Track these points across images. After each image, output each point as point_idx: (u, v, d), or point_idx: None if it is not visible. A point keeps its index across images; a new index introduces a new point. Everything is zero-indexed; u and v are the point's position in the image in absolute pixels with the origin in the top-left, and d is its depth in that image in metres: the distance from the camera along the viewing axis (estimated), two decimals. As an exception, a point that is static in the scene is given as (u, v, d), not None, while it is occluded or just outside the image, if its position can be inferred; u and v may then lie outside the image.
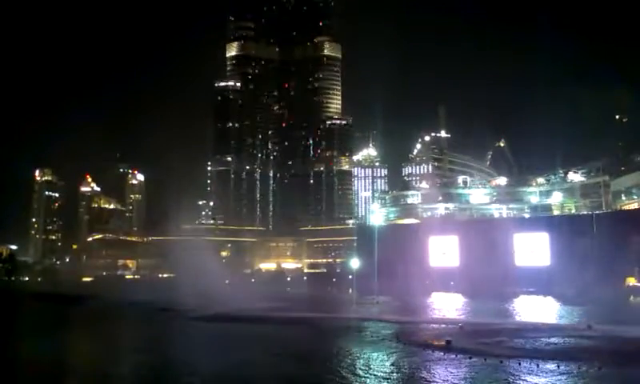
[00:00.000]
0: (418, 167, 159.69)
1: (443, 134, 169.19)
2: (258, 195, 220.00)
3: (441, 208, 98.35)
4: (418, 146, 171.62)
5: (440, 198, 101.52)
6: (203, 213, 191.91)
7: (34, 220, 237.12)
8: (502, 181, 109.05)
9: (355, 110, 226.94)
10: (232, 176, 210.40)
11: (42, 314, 57.33)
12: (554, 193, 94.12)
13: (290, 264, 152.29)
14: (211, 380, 25.26)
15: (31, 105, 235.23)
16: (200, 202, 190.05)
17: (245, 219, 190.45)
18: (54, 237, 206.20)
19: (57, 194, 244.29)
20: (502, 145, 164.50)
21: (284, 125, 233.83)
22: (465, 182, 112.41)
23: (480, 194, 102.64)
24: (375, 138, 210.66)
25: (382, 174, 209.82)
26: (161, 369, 27.08)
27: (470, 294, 58.54)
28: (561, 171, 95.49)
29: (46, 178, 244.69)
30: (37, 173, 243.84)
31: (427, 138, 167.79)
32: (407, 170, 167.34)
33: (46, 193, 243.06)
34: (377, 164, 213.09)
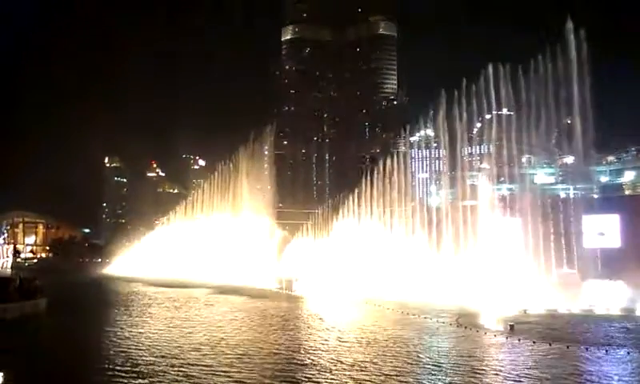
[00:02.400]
0: (478, 147, 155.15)
1: (505, 111, 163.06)
2: (315, 178, 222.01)
3: (503, 189, 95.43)
4: (479, 124, 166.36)
5: (502, 179, 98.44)
6: (261, 197, 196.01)
7: (104, 205, 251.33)
8: (570, 159, 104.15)
9: (412, 90, 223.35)
10: (288, 160, 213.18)
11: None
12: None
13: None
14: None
15: (99, 96, 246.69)
16: (258, 187, 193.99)
17: (301, 202, 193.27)
18: (123, 221, 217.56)
19: (125, 180, 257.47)
20: (569, 122, 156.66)
21: (339, 107, 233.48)
22: (529, 162, 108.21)
23: (545, 173, 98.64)
24: (433, 118, 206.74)
25: (440, 155, 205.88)
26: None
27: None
28: (633, 149, 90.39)
29: (114, 164, 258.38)
30: (106, 160, 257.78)
31: (488, 116, 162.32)
32: (467, 150, 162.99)
33: (115, 178, 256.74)
34: (435, 145, 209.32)
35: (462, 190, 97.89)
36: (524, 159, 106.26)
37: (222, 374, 22.23)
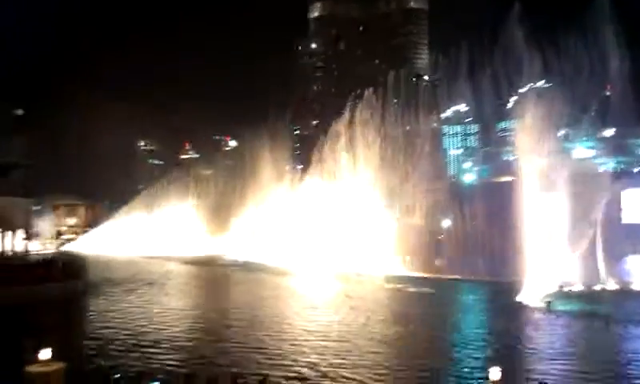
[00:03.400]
0: (513, 121, 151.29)
1: (541, 83, 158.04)
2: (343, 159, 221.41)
3: (540, 163, 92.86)
4: (514, 98, 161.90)
5: (539, 153, 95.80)
6: (290, 178, 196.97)
7: (140, 187, 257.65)
8: (609, 132, 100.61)
9: (444, 66, 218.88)
10: (318, 140, 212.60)
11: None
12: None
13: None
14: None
15: (131, 80, 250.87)
16: (287, 167, 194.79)
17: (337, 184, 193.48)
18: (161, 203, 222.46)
19: (159, 162, 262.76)
20: (608, 93, 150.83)
21: (369, 84, 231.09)
22: (567, 135, 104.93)
23: (584, 147, 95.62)
24: (465, 93, 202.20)
25: (474, 131, 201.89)
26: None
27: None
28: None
29: (149, 147, 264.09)
30: (141, 143, 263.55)
31: (523, 90, 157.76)
32: (501, 125, 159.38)
33: (149, 161, 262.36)
34: (467, 120, 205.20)
35: (497, 165, 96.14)
36: (561, 133, 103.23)
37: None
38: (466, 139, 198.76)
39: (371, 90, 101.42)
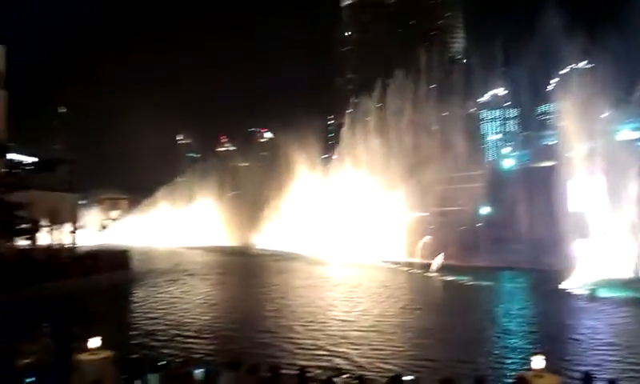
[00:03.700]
0: (554, 104, 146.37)
1: (583, 64, 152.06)
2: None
3: (583, 147, 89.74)
4: (555, 80, 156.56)
5: (582, 137, 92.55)
6: (323, 167, 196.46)
7: (178, 179, 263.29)
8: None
9: (481, 49, 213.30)
10: (352, 128, 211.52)
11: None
12: None
13: (414, 213, 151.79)
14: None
15: (168, 74, 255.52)
16: (320, 157, 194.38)
17: (371, 172, 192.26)
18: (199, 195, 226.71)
19: (196, 155, 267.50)
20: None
21: (403, 69, 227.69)
22: (611, 117, 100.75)
23: (629, 129, 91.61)
24: (504, 76, 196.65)
25: (513, 115, 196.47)
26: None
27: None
28: None
29: (186, 140, 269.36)
30: (178, 137, 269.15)
31: (564, 71, 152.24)
32: (542, 109, 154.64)
33: (187, 154, 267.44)
34: (506, 104, 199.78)
35: (538, 150, 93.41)
36: (605, 115, 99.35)
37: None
38: (504, 124, 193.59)
39: (402, 75, 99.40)
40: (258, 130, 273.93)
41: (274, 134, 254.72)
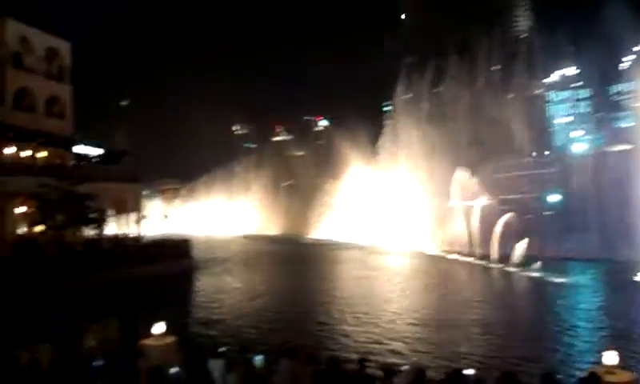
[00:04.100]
0: (629, 84, 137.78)
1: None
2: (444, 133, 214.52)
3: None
4: (631, 56, 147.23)
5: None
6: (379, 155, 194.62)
7: (236, 169, 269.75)
8: None
9: (550, 26, 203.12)
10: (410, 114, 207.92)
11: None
12: None
13: (479, 200, 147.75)
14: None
15: (223, 64, 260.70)
16: (377, 144, 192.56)
17: (428, 159, 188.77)
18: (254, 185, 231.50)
19: (253, 145, 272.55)
20: None
21: (465, 52, 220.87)
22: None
23: None
24: (574, 54, 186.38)
25: (584, 96, 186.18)
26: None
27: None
28: None
29: (242, 130, 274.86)
30: (234, 127, 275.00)
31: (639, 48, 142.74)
32: (616, 88, 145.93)
33: (244, 144, 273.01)
34: (578, 85, 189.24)
35: (612, 133, 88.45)
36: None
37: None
38: (574, 106, 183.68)
39: (460, 57, 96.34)
40: (313, 118, 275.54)
41: (330, 121, 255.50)
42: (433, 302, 30.08)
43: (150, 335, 11.88)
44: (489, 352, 19.42)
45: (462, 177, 58.19)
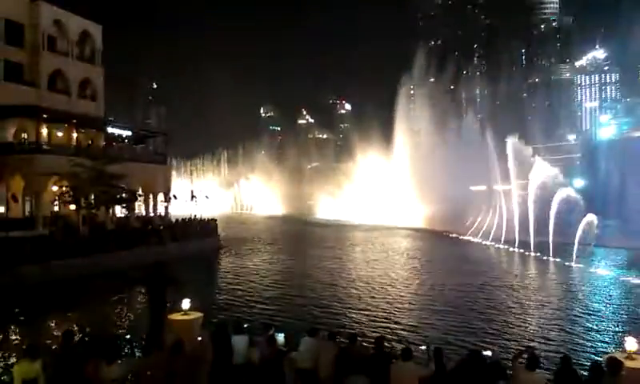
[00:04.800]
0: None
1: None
2: (464, 117, 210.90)
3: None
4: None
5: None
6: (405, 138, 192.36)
7: (262, 152, 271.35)
8: None
9: (577, 7, 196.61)
10: (434, 99, 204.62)
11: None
12: None
13: (502, 186, 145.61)
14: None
15: (251, 54, 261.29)
16: (401, 127, 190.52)
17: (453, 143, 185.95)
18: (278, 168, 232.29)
19: (279, 128, 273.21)
20: None
21: (491, 35, 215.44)
22: None
23: None
24: (603, 37, 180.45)
25: (613, 80, 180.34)
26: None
27: None
28: None
29: (269, 113, 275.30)
30: (261, 110, 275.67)
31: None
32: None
33: (270, 127, 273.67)
34: (605, 68, 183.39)
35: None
36: None
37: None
38: (603, 89, 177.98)
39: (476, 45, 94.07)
40: (337, 101, 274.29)
41: (354, 105, 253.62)
42: (446, 282, 29.91)
43: (177, 310, 12.22)
44: (505, 335, 19.40)
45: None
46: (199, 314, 12.10)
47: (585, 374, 8.78)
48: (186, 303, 12.14)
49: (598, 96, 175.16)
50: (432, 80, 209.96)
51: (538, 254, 41.02)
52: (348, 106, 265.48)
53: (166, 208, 54.63)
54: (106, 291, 26.93)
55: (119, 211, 47.53)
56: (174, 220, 48.95)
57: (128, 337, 15.10)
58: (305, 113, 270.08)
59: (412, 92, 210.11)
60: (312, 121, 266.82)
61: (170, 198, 53.78)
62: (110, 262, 33.53)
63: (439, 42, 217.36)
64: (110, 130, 50.52)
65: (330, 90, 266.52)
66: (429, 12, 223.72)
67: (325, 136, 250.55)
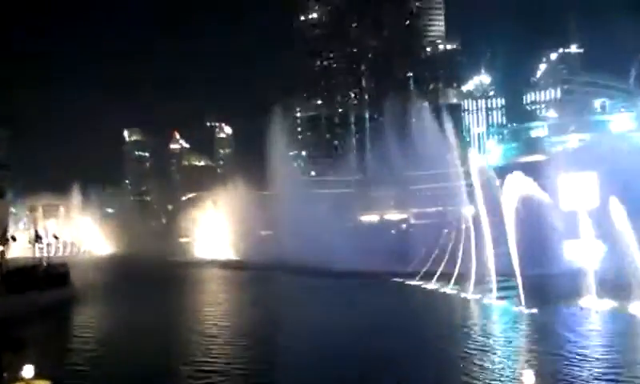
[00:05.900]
0: (542, 93, 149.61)
1: (574, 49, 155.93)
2: (354, 140, 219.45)
3: (573, 140, 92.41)
4: (543, 66, 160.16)
5: (572, 128, 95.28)
6: (295, 164, 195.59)
7: (127, 181, 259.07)
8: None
9: (463, 32, 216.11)
10: (323, 121, 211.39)
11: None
12: None
13: (393, 215, 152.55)
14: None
15: (117, 67, 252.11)
16: (291, 153, 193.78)
17: (339, 168, 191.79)
18: (148, 198, 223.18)
19: (147, 154, 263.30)
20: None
21: (378, 57, 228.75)
22: (603, 107, 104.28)
23: (623, 119, 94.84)
24: (488, 63, 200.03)
25: (499, 105, 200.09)
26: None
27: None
28: None
29: (134, 137, 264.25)
30: (125, 133, 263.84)
31: (554, 57, 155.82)
32: (529, 98, 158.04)
33: (136, 153, 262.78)
34: (491, 93, 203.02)
35: (526, 143, 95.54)
36: (597, 104, 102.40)
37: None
38: (490, 114, 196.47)
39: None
40: (216, 124, 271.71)
41: (234, 129, 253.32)
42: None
43: (17, 380, 11.04)
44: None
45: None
46: (46, 383, 11.02)
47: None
48: (28, 370, 10.98)
49: (484, 121, 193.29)
50: (319, 102, 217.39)
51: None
52: (228, 130, 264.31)
53: (2, 253, 49.64)
54: None
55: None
56: (12, 266, 44.49)
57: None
58: (178, 137, 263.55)
59: (298, 115, 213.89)
60: (187, 146, 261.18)
61: (6, 240, 48.96)
62: None
63: (324, 63, 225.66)
64: None
65: (208, 113, 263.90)
66: (312, 32, 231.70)
67: (202, 163, 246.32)
